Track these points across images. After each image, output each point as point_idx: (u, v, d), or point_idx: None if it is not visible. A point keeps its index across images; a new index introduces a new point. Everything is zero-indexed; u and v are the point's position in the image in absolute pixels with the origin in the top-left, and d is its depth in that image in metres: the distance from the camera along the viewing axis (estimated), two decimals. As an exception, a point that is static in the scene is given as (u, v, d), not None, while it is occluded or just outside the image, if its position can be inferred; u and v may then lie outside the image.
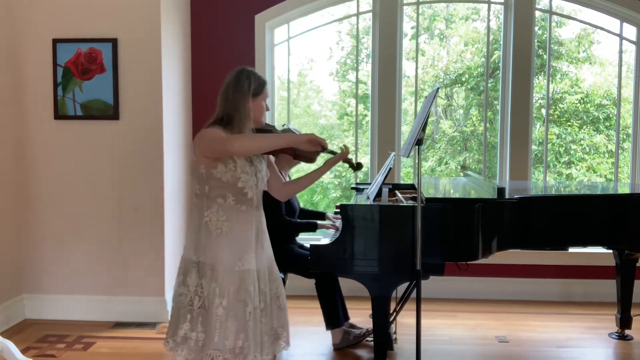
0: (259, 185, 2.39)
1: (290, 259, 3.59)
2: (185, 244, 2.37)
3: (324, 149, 2.35)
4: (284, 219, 3.57)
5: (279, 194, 2.56)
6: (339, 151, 2.48)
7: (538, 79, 5.16)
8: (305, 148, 2.33)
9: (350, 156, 2.57)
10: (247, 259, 2.31)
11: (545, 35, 5.02)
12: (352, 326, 3.79)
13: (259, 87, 2.37)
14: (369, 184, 4.18)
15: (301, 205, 4.07)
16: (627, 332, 3.87)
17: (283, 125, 2.47)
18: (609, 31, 4.90)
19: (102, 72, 4.07)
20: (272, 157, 2.56)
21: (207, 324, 2.24)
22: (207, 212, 2.30)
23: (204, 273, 2.27)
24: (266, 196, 2.53)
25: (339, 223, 3.65)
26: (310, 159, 2.48)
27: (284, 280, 3.57)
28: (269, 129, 2.44)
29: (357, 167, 2.59)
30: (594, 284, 4.67)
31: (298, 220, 3.72)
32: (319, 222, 3.69)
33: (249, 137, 2.27)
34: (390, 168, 3.64)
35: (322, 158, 2.55)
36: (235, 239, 2.30)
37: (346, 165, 2.56)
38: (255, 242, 2.36)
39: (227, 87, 2.36)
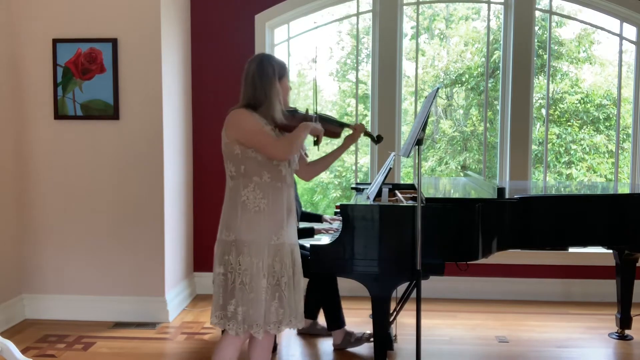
0: (291, 164, 2.51)
1: None
2: (220, 227, 2.46)
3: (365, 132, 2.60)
4: None
5: (304, 175, 2.69)
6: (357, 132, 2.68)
7: (538, 79, 5.16)
8: (315, 134, 2.51)
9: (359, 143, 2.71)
10: (282, 233, 2.43)
11: (545, 35, 5.02)
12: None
13: (282, 69, 2.49)
14: (369, 184, 4.18)
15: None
16: (627, 332, 3.86)
17: (315, 112, 2.56)
18: (609, 31, 4.90)
19: (102, 72, 4.07)
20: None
21: (250, 299, 2.37)
22: (245, 192, 2.40)
23: (242, 250, 2.38)
24: None
25: (337, 224, 3.65)
26: (336, 134, 2.64)
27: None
28: (293, 109, 2.55)
29: (377, 139, 2.77)
30: (594, 284, 4.67)
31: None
32: (315, 227, 3.71)
33: (288, 142, 2.38)
34: (390, 168, 3.64)
35: (345, 132, 2.70)
36: (272, 214, 2.41)
37: (368, 139, 2.76)
38: (287, 217, 2.47)
39: (252, 76, 2.44)
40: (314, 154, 3.02)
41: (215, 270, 2.45)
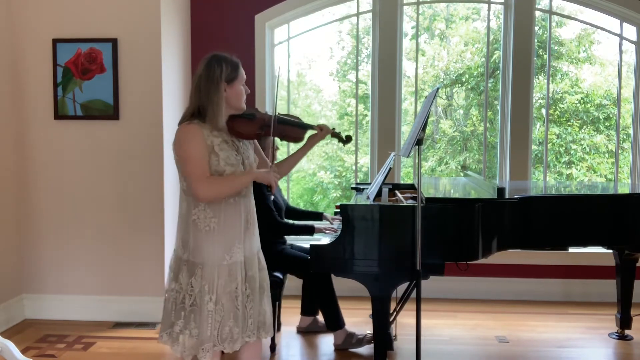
0: None
1: (284, 260, 3.57)
2: (176, 240, 2.37)
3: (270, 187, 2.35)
4: (278, 221, 3.55)
5: None
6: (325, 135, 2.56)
7: (538, 79, 5.16)
8: (264, 183, 2.35)
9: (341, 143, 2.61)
10: (234, 251, 2.30)
11: (545, 35, 5.02)
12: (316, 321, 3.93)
13: (233, 71, 2.28)
14: (369, 184, 4.18)
15: (301, 206, 4.06)
16: (627, 332, 3.87)
17: (275, 113, 2.42)
18: (609, 31, 4.90)
19: (102, 72, 4.07)
20: (257, 142, 2.53)
21: (200, 321, 2.26)
22: (195, 210, 2.28)
23: (194, 272, 2.27)
24: (257, 199, 2.53)
25: (337, 224, 3.65)
26: (298, 139, 2.49)
27: (282, 281, 3.57)
28: (250, 114, 2.36)
29: (346, 140, 2.61)
30: (594, 284, 4.67)
31: (295, 222, 3.69)
32: (315, 224, 3.63)
33: (215, 185, 2.22)
34: (390, 168, 3.64)
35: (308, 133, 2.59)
36: (224, 233, 2.29)
37: (336, 140, 2.61)
38: (245, 230, 2.35)
39: (199, 78, 2.26)
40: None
41: (170, 285, 2.34)
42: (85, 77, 4.08)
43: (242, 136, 2.33)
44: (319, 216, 3.95)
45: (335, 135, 2.59)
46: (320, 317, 3.95)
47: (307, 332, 3.92)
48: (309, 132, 2.53)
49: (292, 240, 3.89)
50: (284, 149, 4.73)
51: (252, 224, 2.41)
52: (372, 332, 3.69)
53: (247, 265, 2.35)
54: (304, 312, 3.95)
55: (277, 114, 2.37)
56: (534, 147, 5.00)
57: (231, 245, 2.29)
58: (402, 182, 4.90)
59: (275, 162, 2.48)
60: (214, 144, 2.24)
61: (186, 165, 2.23)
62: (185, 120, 2.29)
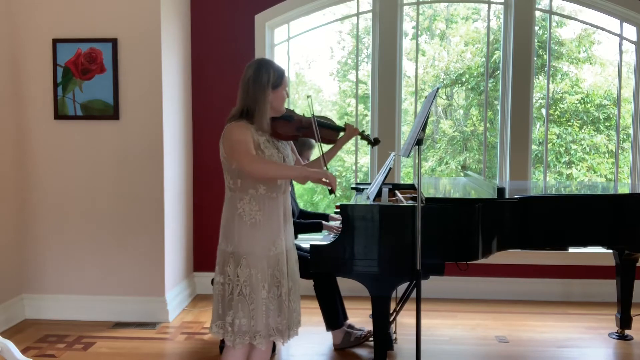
0: None
1: None
2: (220, 236, 2.48)
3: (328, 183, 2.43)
4: None
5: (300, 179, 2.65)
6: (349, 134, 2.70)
7: (538, 79, 5.16)
8: (315, 182, 2.46)
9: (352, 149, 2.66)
10: (279, 242, 2.45)
11: (545, 35, 5.02)
12: (350, 327, 3.78)
13: (278, 79, 2.44)
14: (369, 184, 4.18)
15: (301, 206, 4.06)
16: (627, 332, 3.87)
17: (312, 114, 2.54)
18: (609, 31, 4.90)
19: (102, 72, 4.08)
20: (292, 144, 2.67)
21: (249, 310, 2.37)
22: (240, 204, 2.41)
23: (239, 262, 2.39)
24: None
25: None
26: (332, 141, 2.65)
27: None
28: (289, 115, 2.52)
29: (374, 142, 2.80)
30: (594, 284, 4.67)
31: (302, 220, 3.70)
32: (324, 222, 3.67)
33: (270, 167, 2.35)
34: (390, 168, 3.64)
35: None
36: (269, 225, 2.42)
37: (364, 142, 2.81)
38: (284, 224, 2.49)
39: (247, 81, 2.42)
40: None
41: (216, 278, 2.48)
42: (85, 77, 4.09)
43: (281, 137, 2.48)
44: (325, 217, 3.93)
45: (365, 137, 2.75)
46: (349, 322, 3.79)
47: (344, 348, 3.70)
48: (341, 134, 2.68)
49: (297, 241, 3.87)
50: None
51: (289, 218, 2.55)
52: (368, 330, 3.70)
53: (287, 257, 2.49)
54: (331, 324, 3.68)
55: (314, 116, 2.52)
56: (534, 147, 5.00)
57: (275, 237, 2.43)
58: (402, 182, 4.90)
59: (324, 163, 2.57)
60: (260, 141, 2.40)
61: (235, 149, 2.34)
62: (233, 119, 2.43)
